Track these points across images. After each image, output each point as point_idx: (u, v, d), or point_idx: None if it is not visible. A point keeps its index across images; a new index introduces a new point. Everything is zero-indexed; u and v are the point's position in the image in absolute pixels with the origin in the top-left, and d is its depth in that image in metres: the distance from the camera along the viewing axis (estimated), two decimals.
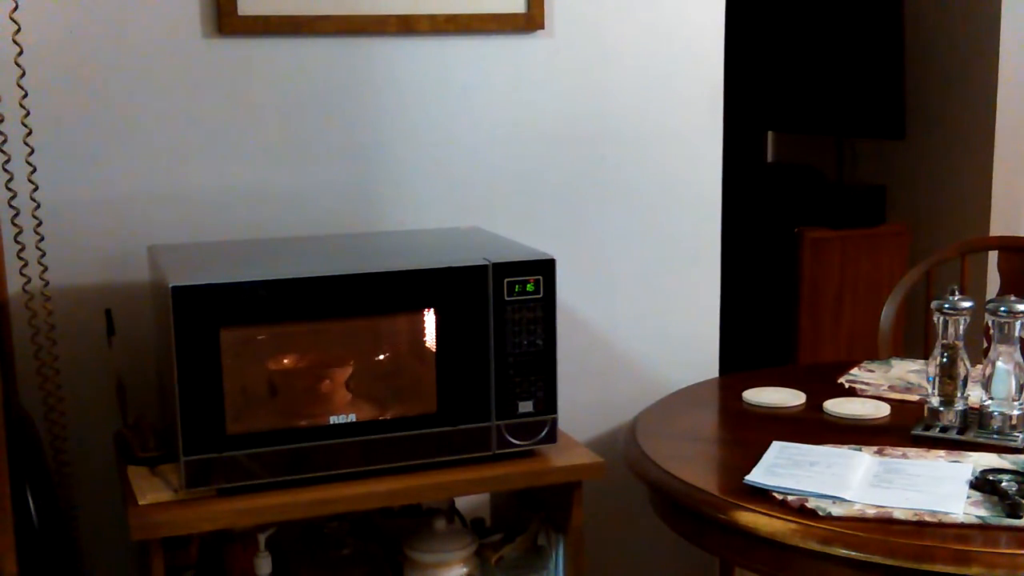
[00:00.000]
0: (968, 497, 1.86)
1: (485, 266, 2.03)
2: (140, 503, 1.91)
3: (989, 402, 2.13)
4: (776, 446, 2.09)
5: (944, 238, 3.57)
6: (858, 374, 2.57)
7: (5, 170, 2.18)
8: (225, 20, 2.28)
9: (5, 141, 2.17)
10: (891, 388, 2.45)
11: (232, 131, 2.34)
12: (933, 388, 2.18)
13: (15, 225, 2.18)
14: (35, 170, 2.19)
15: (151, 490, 1.94)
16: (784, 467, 1.98)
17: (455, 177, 2.51)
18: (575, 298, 2.61)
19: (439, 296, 2.02)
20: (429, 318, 2.03)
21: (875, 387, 2.46)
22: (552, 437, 2.10)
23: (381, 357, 2.07)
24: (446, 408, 2.04)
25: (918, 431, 2.16)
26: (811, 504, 1.84)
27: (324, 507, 1.96)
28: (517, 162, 2.55)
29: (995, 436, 2.11)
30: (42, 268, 2.21)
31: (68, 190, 2.24)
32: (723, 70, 2.70)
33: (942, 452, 2.06)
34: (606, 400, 2.68)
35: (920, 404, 2.27)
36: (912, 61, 3.73)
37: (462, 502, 2.35)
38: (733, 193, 3.10)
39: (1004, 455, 2.04)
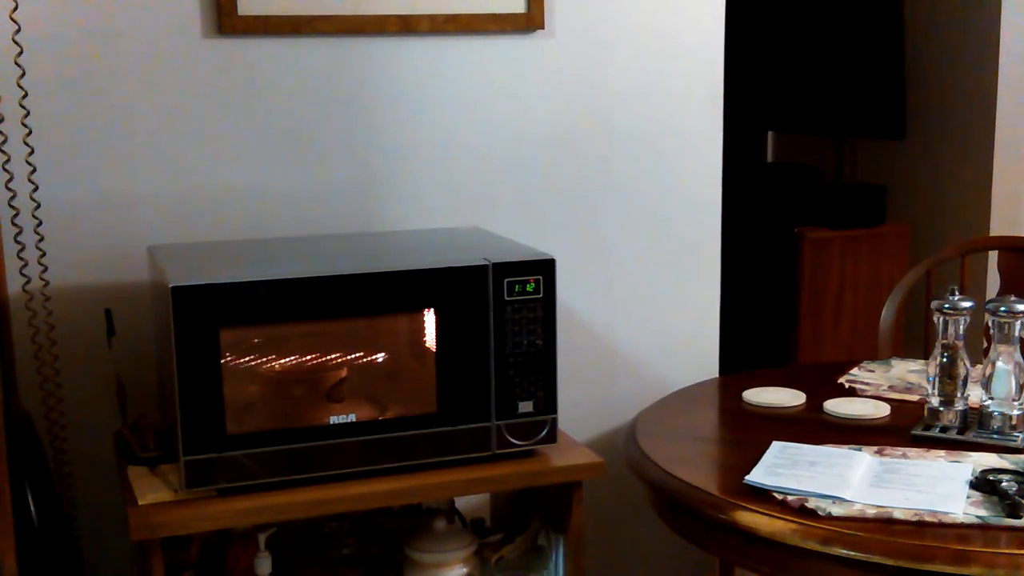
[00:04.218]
0: (968, 497, 1.86)
1: (485, 266, 2.03)
2: (140, 503, 1.91)
3: (989, 402, 2.13)
4: (776, 446, 2.09)
5: (944, 238, 3.57)
6: (858, 374, 2.56)
7: (5, 170, 2.18)
8: (225, 20, 2.28)
9: (5, 141, 2.17)
10: (891, 388, 2.45)
11: (232, 131, 2.34)
12: (933, 388, 2.18)
13: (15, 225, 2.18)
14: (35, 170, 2.19)
15: (151, 490, 1.94)
16: (784, 467, 1.98)
17: (455, 177, 2.51)
18: (575, 298, 2.61)
19: (439, 296, 2.02)
20: (429, 318, 2.03)
21: (875, 387, 2.46)
22: (552, 437, 2.10)
23: (381, 357, 2.07)
24: (446, 408, 2.04)
25: (918, 431, 2.16)
26: (811, 504, 1.84)
27: (324, 507, 1.96)
28: (517, 162, 2.55)
29: (995, 436, 2.11)
30: (42, 268, 2.21)
31: (68, 190, 2.24)
32: (723, 70, 2.70)
33: (942, 452, 2.06)
34: (606, 400, 2.68)
35: (920, 404, 2.27)
36: (912, 61, 3.73)
37: (462, 502, 2.35)
38: (733, 193, 3.10)
39: (1004, 455, 2.04)
